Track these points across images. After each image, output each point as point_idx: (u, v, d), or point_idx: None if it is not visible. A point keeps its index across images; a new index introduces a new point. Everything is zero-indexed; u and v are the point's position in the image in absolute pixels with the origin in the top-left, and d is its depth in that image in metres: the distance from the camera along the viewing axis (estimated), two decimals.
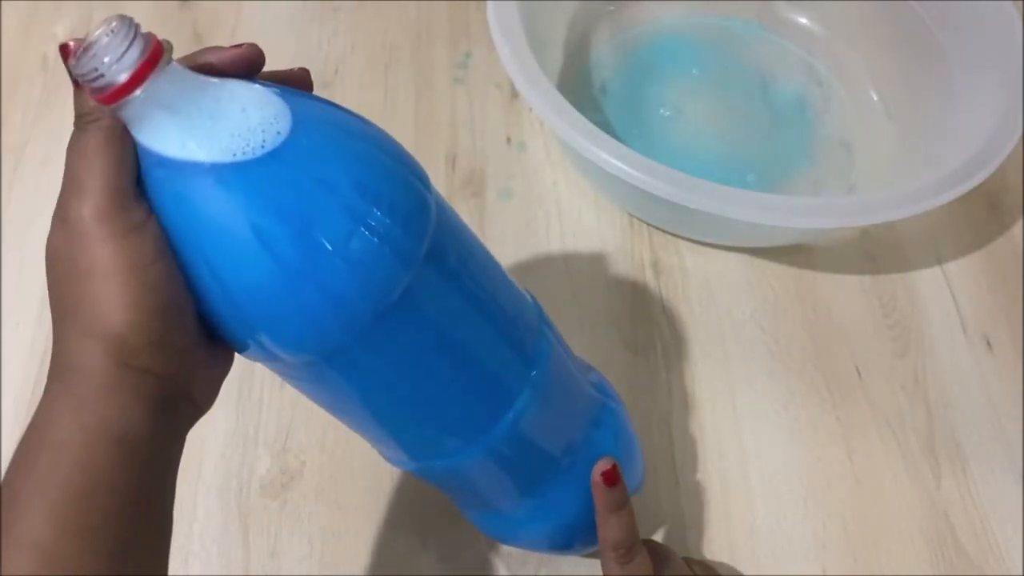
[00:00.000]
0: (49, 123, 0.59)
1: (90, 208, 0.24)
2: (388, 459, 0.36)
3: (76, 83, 0.25)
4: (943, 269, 0.54)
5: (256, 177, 0.24)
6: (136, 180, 0.25)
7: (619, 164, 0.45)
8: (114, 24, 0.23)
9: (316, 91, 0.29)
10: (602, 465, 0.35)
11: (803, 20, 0.64)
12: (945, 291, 0.53)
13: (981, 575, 0.44)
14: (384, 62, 0.63)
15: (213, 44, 0.27)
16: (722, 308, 0.52)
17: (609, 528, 0.35)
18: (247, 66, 0.27)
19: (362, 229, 0.25)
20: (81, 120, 0.25)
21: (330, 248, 0.25)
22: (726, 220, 0.44)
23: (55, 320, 0.26)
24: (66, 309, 0.25)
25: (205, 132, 0.24)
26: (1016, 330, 0.51)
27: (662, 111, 0.60)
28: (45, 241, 0.25)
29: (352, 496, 0.46)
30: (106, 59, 0.22)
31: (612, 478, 0.35)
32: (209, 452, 0.47)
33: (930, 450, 0.47)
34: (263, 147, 0.24)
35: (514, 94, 0.61)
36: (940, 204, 0.45)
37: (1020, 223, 0.56)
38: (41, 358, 0.50)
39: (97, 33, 0.23)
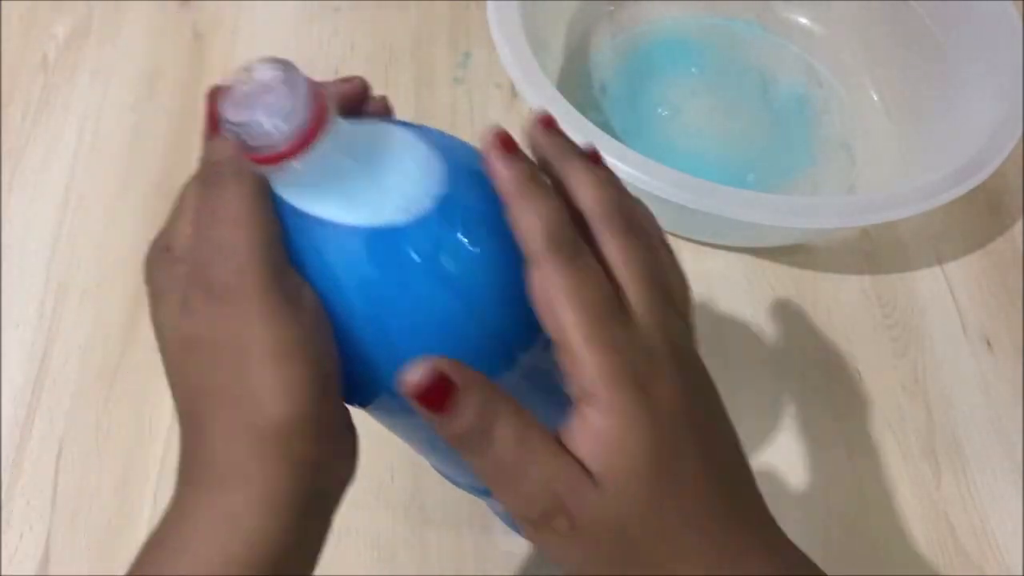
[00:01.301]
0: (49, 123, 0.59)
1: (250, 279, 0.21)
2: (470, 489, 0.35)
3: (212, 126, 0.22)
4: (943, 269, 0.54)
5: (432, 228, 0.23)
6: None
7: (619, 164, 0.45)
8: (280, 73, 0.20)
9: None
10: (489, 133, 0.24)
11: (803, 20, 0.64)
12: (945, 291, 0.53)
13: (981, 575, 0.44)
14: (384, 62, 0.63)
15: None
16: (722, 308, 0.52)
17: (524, 216, 0.22)
18: (360, 100, 0.26)
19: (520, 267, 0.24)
20: (216, 170, 0.21)
21: (505, 285, 0.24)
22: (726, 220, 0.44)
23: (195, 416, 0.22)
24: (215, 401, 0.22)
25: (371, 192, 0.22)
26: (1016, 330, 0.51)
27: (661, 111, 0.60)
28: (170, 324, 0.22)
29: (352, 496, 0.46)
30: (274, 117, 0.20)
31: (507, 142, 0.24)
32: None
33: (930, 450, 0.47)
34: (429, 197, 0.23)
35: (514, 94, 0.61)
36: (940, 204, 0.45)
37: (1020, 223, 0.56)
38: (41, 358, 0.50)
39: (259, 77, 0.20)
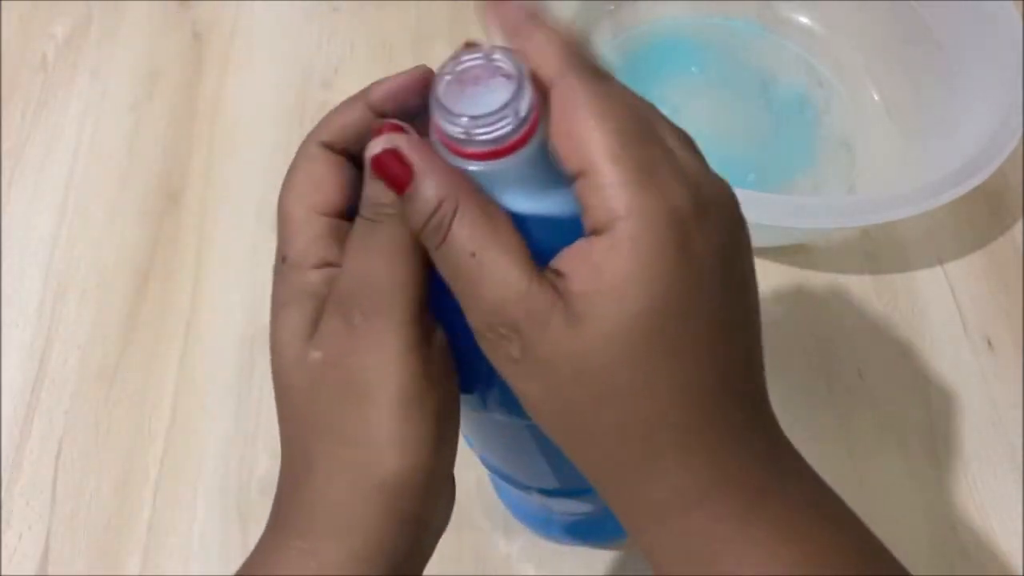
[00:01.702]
0: (48, 123, 0.59)
1: (393, 312, 0.20)
2: (538, 488, 0.35)
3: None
4: (943, 269, 0.54)
5: None
6: None
7: None
8: (499, 62, 0.19)
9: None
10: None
11: (803, 20, 0.64)
12: (946, 291, 0.53)
13: (981, 575, 0.44)
14: (384, 62, 0.63)
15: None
16: None
17: (535, 44, 0.20)
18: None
19: None
20: (375, 211, 0.20)
21: None
22: None
23: (303, 450, 0.21)
24: (330, 439, 0.21)
25: (555, 180, 0.20)
26: (1017, 330, 0.51)
27: (661, 111, 0.60)
28: (296, 346, 0.21)
29: None
30: (509, 109, 0.18)
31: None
32: (209, 452, 0.47)
33: (930, 450, 0.47)
34: None
35: None
36: (940, 204, 0.45)
37: (1020, 223, 0.56)
38: (40, 358, 0.50)
39: (476, 66, 0.19)
